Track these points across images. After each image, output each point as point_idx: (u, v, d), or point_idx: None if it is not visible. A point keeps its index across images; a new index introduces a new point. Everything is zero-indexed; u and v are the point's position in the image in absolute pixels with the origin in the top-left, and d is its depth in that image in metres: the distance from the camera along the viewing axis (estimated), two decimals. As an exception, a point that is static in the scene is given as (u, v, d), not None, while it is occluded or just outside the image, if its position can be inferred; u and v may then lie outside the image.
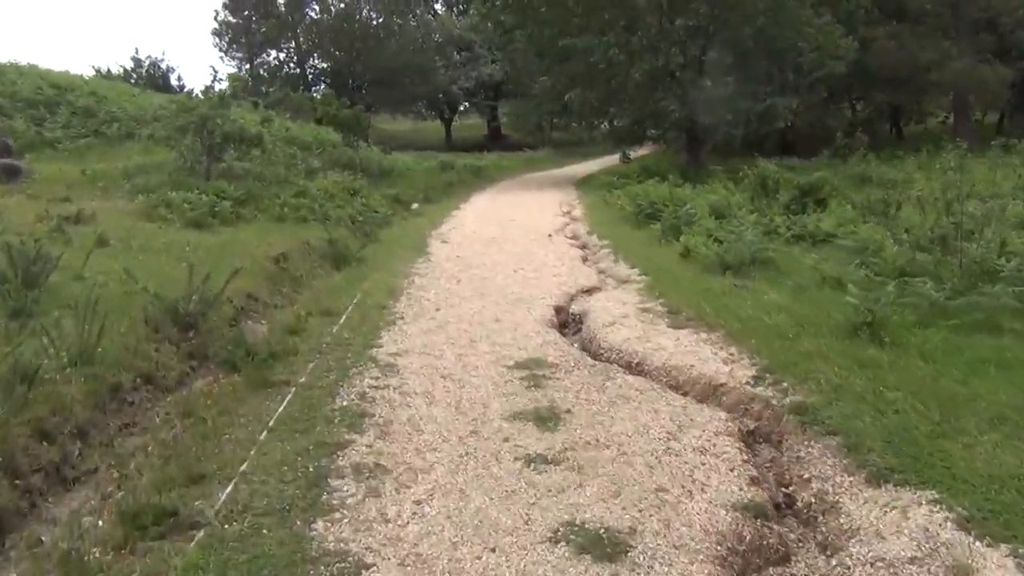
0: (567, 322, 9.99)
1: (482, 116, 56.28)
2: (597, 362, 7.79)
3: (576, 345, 8.82)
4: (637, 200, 16.94)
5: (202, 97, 22.97)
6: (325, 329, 9.25)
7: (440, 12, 56.09)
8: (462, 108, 55.48)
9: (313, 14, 50.26)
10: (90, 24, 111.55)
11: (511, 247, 14.75)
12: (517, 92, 55.34)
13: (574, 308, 10.38)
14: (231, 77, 22.50)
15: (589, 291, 11.20)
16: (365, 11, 50.82)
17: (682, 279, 10.78)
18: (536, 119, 48.45)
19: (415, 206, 24.78)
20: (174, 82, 46.28)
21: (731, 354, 7.49)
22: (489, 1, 27.01)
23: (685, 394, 6.81)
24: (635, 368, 7.59)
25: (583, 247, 14.98)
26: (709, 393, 6.75)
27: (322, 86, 48.07)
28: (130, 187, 19.68)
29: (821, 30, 24.82)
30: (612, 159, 41.86)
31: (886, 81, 34.79)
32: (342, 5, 50.35)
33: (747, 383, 6.70)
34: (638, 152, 41.76)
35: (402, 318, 9.68)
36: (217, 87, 22.87)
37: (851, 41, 27.01)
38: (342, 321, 9.55)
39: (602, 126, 29.22)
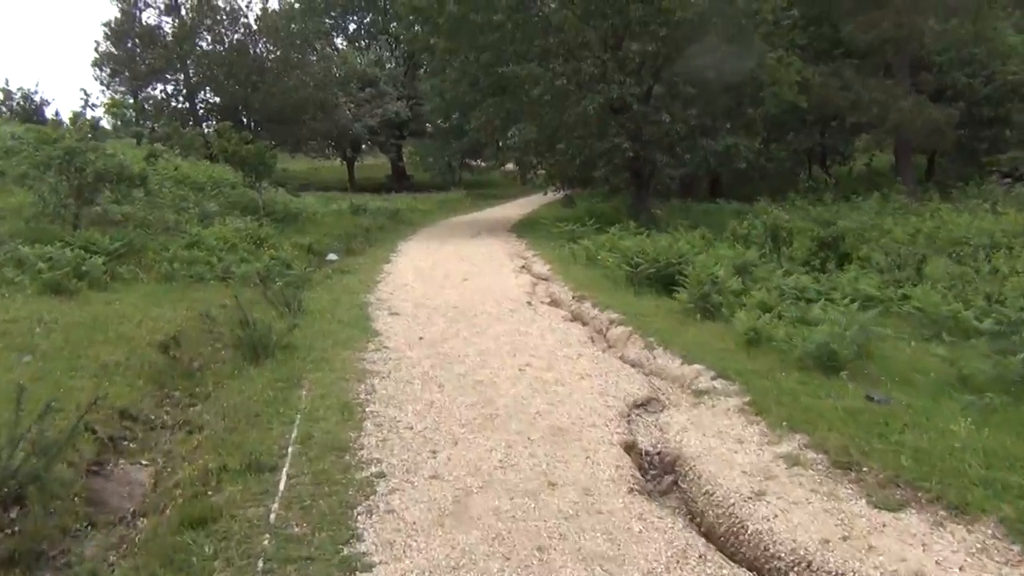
0: (643, 467, 6.09)
1: (387, 155, 52.04)
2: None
3: (692, 528, 4.94)
4: (629, 255, 13.19)
5: (69, 126, 18.20)
6: (250, 510, 5.10)
7: (342, 47, 51.80)
8: (364, 147, 51.10)
9: (204, 44, 45.27)
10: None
11: (489, 323, 10.75)
12: (421, 131, 51.70)
13: (646, 442, 6.47)
14: (110, 103, 17.75)
15: (643, 404, 7.34)
16: (261, 43, 46.13)
17: (786, 388, 7.01)
18: (446, 159, 44.68)
19: (332, 256, 20.51)
20: (49, 115, 40.52)
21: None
22: (418, 22, 23.00)
23: None
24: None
25: (582, 322, 11.10)
26: None
27: (214, 122, 42.94)
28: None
29: (782, 61, 21.89)
30: (531, 201, 38.42)
31: (820, 120, 32.53)
32: (237, 36, 45.55)
33: None
34: (554, 196, 38.46)
35: (383, 477, 5.59)
36: (90, 114, 17.96)
37: (813, 74, 24.39)
38: (281, 490, 5.39)
39: (538, 167, 25.45)
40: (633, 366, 8.60)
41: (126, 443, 7.37)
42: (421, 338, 9.92)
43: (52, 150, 15.61)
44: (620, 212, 23.53)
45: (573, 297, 12.30)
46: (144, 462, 6.97)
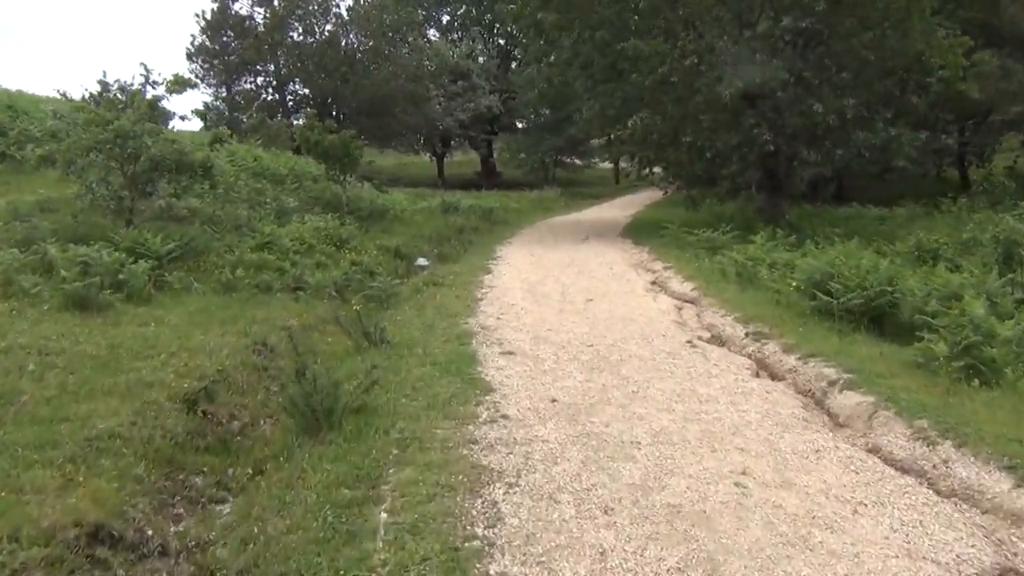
0: None
1: (476, 151, 48.97)
2: None
3: None
4: (812, 277, 9.62)
5: (123, 101, 15.45)
6: None
7: (435, 39, 48.85)
8: (453, 142, 48.13)
9: (295, 36, 42.87)
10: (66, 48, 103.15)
11: (645, 375, 7.35)
12: (512, 127, 48.44)
13: None
14: (173, 80, 15.01)
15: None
16: (352, 35, 43.55)
17: None
18: (540, 155, 41.34)
19: (422, 261, 17.43)
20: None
21: None
22: (525, -4, 19.57)
23: None
24: None
25: (772, 374, 7.65)
26: None
27: (303, 115, 40.53)
28: (19, 233, 12.42)
29: (951, 42, 17.87)
30: (632, 201, 34.83)
31: (963, 115, 28.04)
32: (328, 27, 43.06)
33: None
34: (657, 196, 34.73)
35: None
36: (151, 92, 15.20)
37: (991, 56, 20.33)
38: None
39: (656, 163, 21.67)
40: (913, 475, 5.14)
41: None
42: (554, 400, 6.61)
43: (100, 132, 12.81)
44: (748, 216, 19.83)
45: (746, 334, 8.82)
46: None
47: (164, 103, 15.65)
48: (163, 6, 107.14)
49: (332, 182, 21.20)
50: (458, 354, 8.15)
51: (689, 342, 8.58)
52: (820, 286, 9.20)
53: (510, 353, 8.20)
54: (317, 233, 16.40)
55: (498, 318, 10.14)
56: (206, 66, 43.76)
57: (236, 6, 42.56)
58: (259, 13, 42.44)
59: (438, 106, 42.59)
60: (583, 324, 9.62)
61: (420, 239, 19.42)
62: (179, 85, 15.16)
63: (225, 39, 43.02)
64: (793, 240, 15.08)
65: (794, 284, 9.79)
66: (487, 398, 6.67)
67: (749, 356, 8.25)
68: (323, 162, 21.59)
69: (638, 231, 20.83)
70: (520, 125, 47.53)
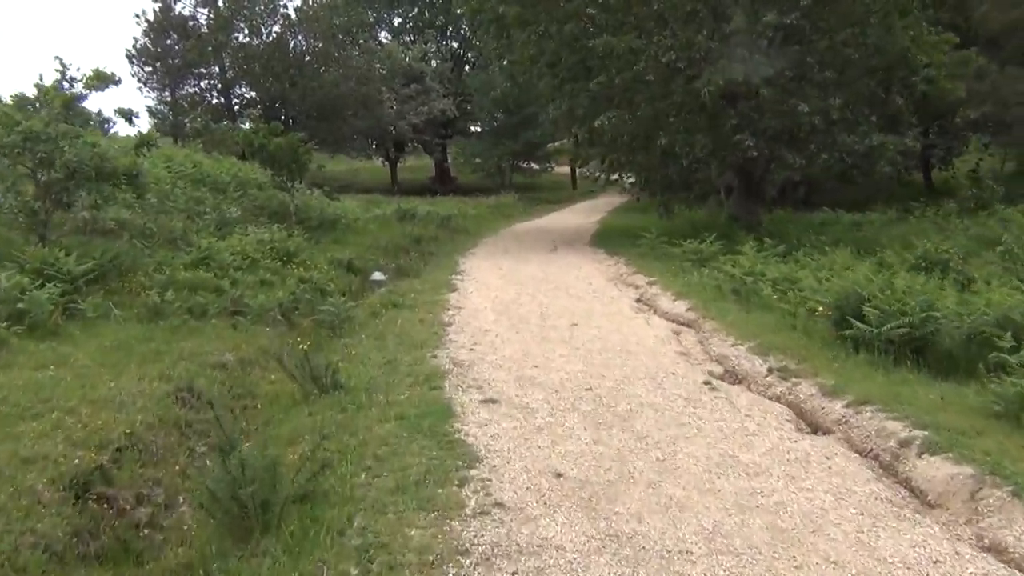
0: None
1: (431, 156, 47.16)
2: None
3: None
4: (838, 297, 8.16)
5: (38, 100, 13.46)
6: None
7: (386, 41, 46.91)
8: (407, 147, 46.22)
9: (241, 37, 40.71)
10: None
11: (665, 434, 5.78)
12: (468, 131, 46.76)
13: None
14: (92, 75, 13.05)
15: None
16: (300, 36, 41.49)
17: None
18: (496, 160, 39.75)
19: (378, 276, 15.73)
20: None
21: None
22: (484, -13, 17.90)
23: None
24: None
25: (814, 425, 6.18)
26: None
27: (247, 117, 38.43)
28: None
29: (937, 39, 16.71)
30: (593, 206, 33.44)
31: (928, 116, 27.10)
32: (275, 28, 40.96)
33: None
34: (620, 200, 33.32)
35: None
36: (70, 88, 13.28)
37: (975, 55, 19.28)
38: None
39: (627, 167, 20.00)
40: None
41: None
42: (560, 475, 5.04)
43: (5, 135, 10.91)
44: (721, 223, 18.45)
45: (768, 369, 7.34)
46: None
47: (85, 103, 13.66)
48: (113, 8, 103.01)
49: (279, 189, 19.40)
50: (429, 403, 6.54)
51: (707, 383, 7.06)
52: (851, 310, 7.75)
53: (492, 401, 6.61)
54: (261, 246, 14.63)
55: (472, 349, 8.54)
56: (148, 69, 41.56)
57: (178, 6, 40.40)
58: (202, 14, 40.29)
59: (390, 109, 40.74)
60: (574, 358, 8.05)
61: (375, 250, 17.70)
62: (99, 81, 13.22)
63: (169, 41, 40.78)
64: (782, 249, 13.74)
65: (820, 308, 8.33)
66: (473, 472, 5.07)
67: (780, 399, 6.76)
68: (269, 168, 19.79)
69: (608, 239, 19.30)
70: (476, 129, 45.91)
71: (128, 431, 6.11)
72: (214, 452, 5.17)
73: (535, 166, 42.63)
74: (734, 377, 7.59)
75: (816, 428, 6.18)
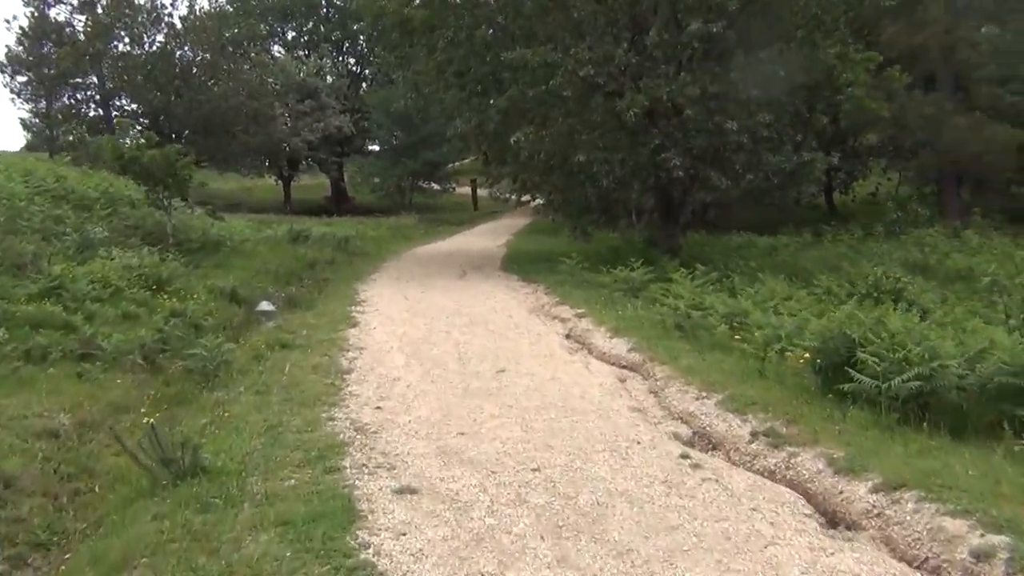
0: None
1: (326, 175, 44.74)
2: None
3: None
4: (823, 342, 6.77)
5: None
6: None
7: (280, 55, 44.39)
8: (302, 165, 43.72)
9: (122, 46, 37.63)
10: None
11: (649, 550, 4.23)
12: (365, 149, 44.76)
13: None
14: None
15: None
16: (187, 47, 38.64)
17: None
18: (396, 179, 37.86)
19: (265, 306, 13.63)
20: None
21: None
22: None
23: None
24: None
25: (829, 514, 4.70)
26: None
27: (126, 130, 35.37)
28: None
29: (861, 56, 15.95)
30: (496, 228, 31.82)
31: (832, 139, 26.74)
32: (159, 38, 38.06)
33: None
34: (524, 221, 31.92)
35: None
36: None
37: (900, 74, 18.67)
38: None
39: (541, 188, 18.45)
40: None
41: None
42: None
43: None
44: (638, 247, 17.20)
45: (752, 434, 5.86)
46: None
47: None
48: None
49: (154, 207, 17.10)
50: (323, 496, 4.75)
51: (684, 456, 5.50)
52: (840, 356, 6.36)
53: (410, 491, 4.87)
54: (128, 272, 12.44)
55: (378, 407, 6.77)
56: (22, 79, 38.16)
57: (53, 12, 37.14)
58: (79, 20, 37.14)
59: (284, 125, 38.34)
60: (508, 419, 6.38)
61: (264, 276, 15.63)
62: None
63: (45, 50, 37.44)
64: (714, 277, 12.50)
65: (803, 354, 6.92)
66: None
67: (777, 477, 5.27)
68: (143, 183, 17.46)
69: (520, 264, 17.71)
70: (374, 148, 43.92)
71: None
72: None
73: (436, 187, 40.93)
74: (707, 442, 6.08)
75: (834, 520, 4.70)
